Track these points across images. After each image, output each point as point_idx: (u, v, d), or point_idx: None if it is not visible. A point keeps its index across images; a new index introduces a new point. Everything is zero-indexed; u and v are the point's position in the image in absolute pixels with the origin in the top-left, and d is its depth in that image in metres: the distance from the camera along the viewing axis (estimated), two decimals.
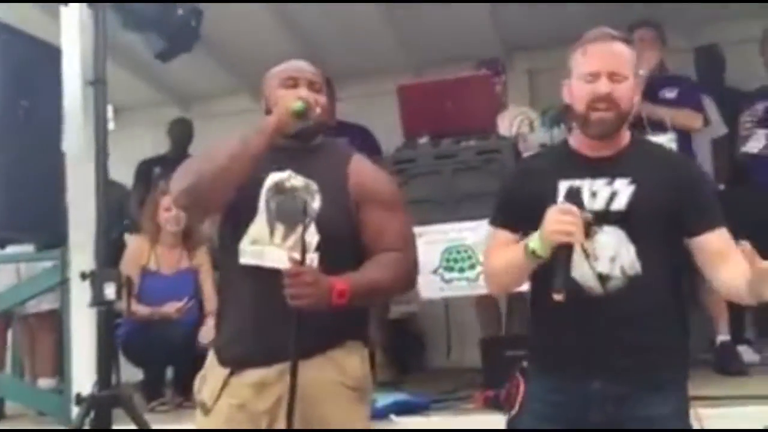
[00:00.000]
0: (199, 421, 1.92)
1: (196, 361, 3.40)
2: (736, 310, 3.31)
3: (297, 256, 1.75)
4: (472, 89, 3.26)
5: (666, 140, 2.86)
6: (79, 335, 2.97)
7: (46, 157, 2.96)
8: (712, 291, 3.13)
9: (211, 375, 1.92)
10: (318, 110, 1.92)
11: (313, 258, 1.83)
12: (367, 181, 1.94)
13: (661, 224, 1.72)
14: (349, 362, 1.89)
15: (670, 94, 3.38)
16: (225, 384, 1.86)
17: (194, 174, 1.84)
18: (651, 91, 3.34)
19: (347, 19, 4.44)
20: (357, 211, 1.90)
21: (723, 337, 3.21)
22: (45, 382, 3.94)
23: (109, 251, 2.61)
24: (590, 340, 1.71)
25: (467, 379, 3.29)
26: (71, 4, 2.69)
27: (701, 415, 2.25)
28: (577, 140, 1.83)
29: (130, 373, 3.66)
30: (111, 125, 2.66)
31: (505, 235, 1.84)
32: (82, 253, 2.80)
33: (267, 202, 1.89)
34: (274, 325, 1.78)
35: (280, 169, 1.91)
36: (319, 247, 1.84)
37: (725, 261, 1.70)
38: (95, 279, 2.44)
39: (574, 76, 1.79)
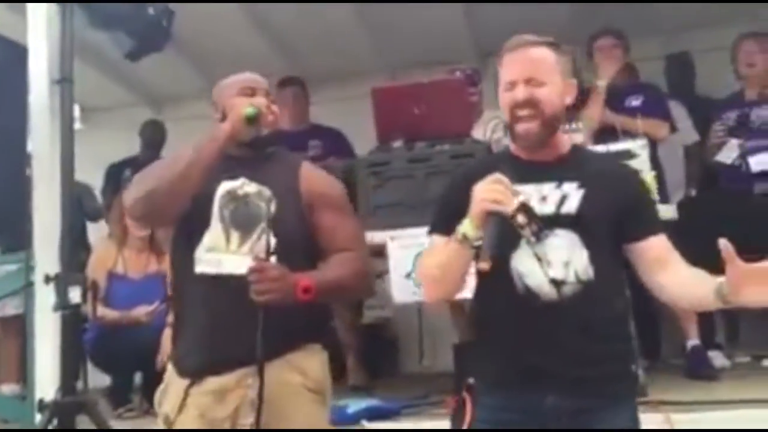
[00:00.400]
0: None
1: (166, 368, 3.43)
2: (705, 315, 3.34)
3: (262, 255, 1.79)
4: (446, 93, 3.25)
5: (638, 146, 2.87)
6: (44, 340, 2.90)
7: (10, 158, 2.89)
8: None
9: (171, 387, 1.93)
10: (271, 118, 1.97)
11: (270, 261, 1.83)
12: (317, 186, 1.99)
13: (610, 229, 1.71)
14: (310, 365, 1.91)
15: (635, 101, 3.41)
16: (186, 395, 1.87)
17: (148, 183, 1.87)
18: (616, 100, 3.37)
19: (322, 22, 4.42)
20: (310, 214, 1.95)
21: (693, 341, 3.23)
22: (9, 388, 3.86)
23: (75, 253, 2.56)
24: (543, 350, 1.66)
25: (440, 384, 3.28)
26: (37, 2, 2.62)
27: (673, 420, 2.25)
28: (518, 147, 1.81)
29: (97, 379, 3.59)
30: (78, 125, 2.61)
31: (443, 242, 1.80)
32: (46, 256, 2.74)
33: (221, 210, 1.91)
34: (232, 332, 1.81)
35: (233, 177, 1.93)
36: (275, 251, 1.84)
37: (664, 267, 1.71)
38: (59, 282, 2.38)
39: (500, 87, 1.78)
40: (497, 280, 1.69)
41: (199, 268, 1.89)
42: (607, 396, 1.68)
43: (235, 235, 1.89)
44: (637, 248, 1.73)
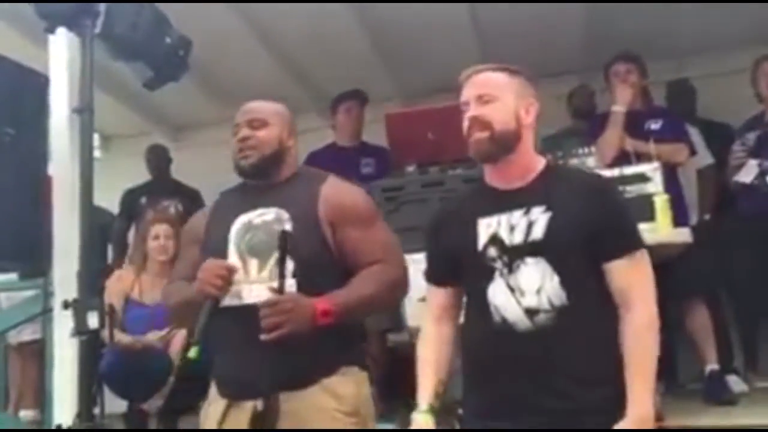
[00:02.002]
0: None
1: (182, 392, 3.44)
2: (723, 339, 3.32)
3: (275, 285, 1.79)
4: (459, 118, 3.27)
5: (651, 169, 2.87)
6: (62, 365, 2.92)
7: (30, 185, 2.94)
8: (698, 316, 3.19)
9: (213, 405, 1.97)
10: (239, 146, 2.04)
11: (291, 284, 1.85)
12: (338, 203, 1.97)
13: (581, 249, 1.67)
14: (345, 388, 1.90)
15: (655, 125, 3.41)
16: (225, 414, 1.91)
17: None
18: (635, 124, 3.37)
19: (336, 49, 4.47)
20: (333, 233, 1.94)
21: (711, 366, 3.20)
22: (27, 414, 3.88)
23: (93, 280, 2.59)
24: (519, 381, 1.65)
25: (457, 410, 3.25)
26: (58, 33, 2.68)
27: None
28: (488, 175, 1.82)
29: (114, 404, 3.60)
30: (97, 153, 2.65)
31: (439, 295, 1.86)
32: (65, 282, 2.77)
33: (237, 243, 1.94)
34: (260, 359, 1.80)
35: (251, 208, 1.96)
36: (295, 274, 1.85)
37: (627, 306, 1.66)
38: (78, 308, 2.40)
39: None
40: (477, 312, 1.72)
41: (223, 302, 1.90)
42: (587, 427, 1.62)
43: (253, 263, 1.91)
44: (606, 271, 1.69)
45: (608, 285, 1.69)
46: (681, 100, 4.19)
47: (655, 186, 2.83)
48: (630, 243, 1.71)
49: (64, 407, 2.84)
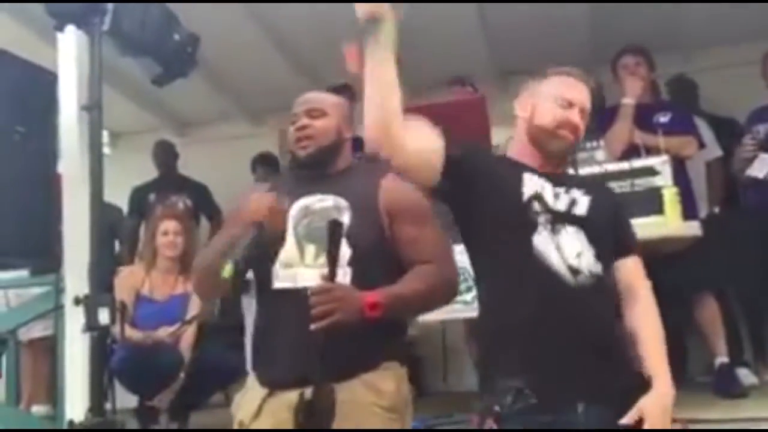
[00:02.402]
0: None
1: (193, 388, 3.46)
2: (733, 332, 3.31)
3: (326, 271, 1.77)
4: (465, 111, 3.27)
5: (659, 162, 2.86)
6: (73, 361, 2.94)
7: (40, 182, 2.95)
8: (708, 309, 3.19)
9: (249, 394, 1.95)
10: (296, 136, 2.00)
11: (346, 272, 1.86)
12: (397, 198, 1.96)
13: (611, 237, 1.80)
14: (384, 383, 1.89)
15: (663, 118, 3.41)
16: (263, 403, 1.89)
17: (201, 261, 2.02)
18: (644, 117, 3.36)
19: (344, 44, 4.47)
20: (390, 226, 1.94)
21: (721, 359, 3.20)
22: (39, 409, 3.91)
23: (104, 276, 2.61)
24: (566, 337, 1.65)
25: (464, 403, 3.26)
26: (67, 31, 2.69)
27: None
28: (525, 156, 1.86)
29: (126, 399, 3.63)
30: (106, 150, 2.66)
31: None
32: (76, 279, 2.79)
33: (295, 227, 1.93)
34: (309, 347, 1.77)
35: (309, 193, 1.96)
36: (350, 263, 1.87)
37: (636, 298, 1.78)
38: (89, 304, 2.42)
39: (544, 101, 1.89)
40: (517, 262, 1.71)
41: (277, 284, 1.92)
42: (629, 392, 1.67)
43: (310, 249, 1.90)
44: (617, 266, 1.80)
45: (616, 277, 1.79)
46: (682, 96, 4.17)
47: (664, 179, 2.82)
48: (635, 244, 1.87)
49: (76, 402, 2.86)
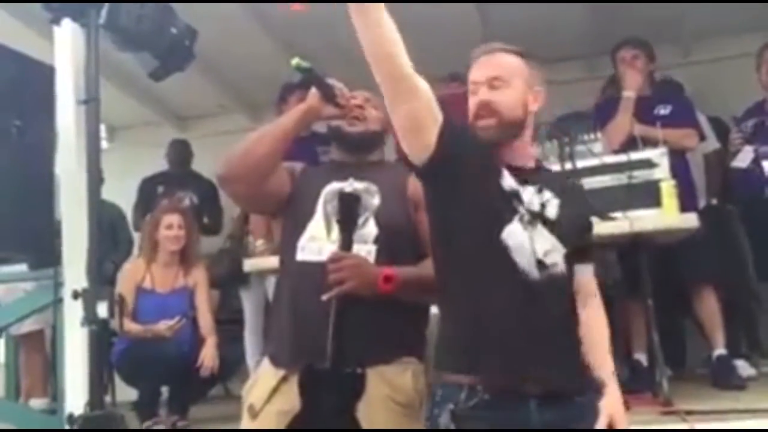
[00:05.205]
0: (245, 423, 1.93)
1: (192, 381, 3.47)
2: (730, 324, 3.32)
3: (365, 245, 1.85)
4: (464, 105, 3.26)
5: (657, 154, 2.86)
6: (73, 354, 2.94)
7: (38, 176, 2.95)
8: (706, 301, 3.21)
9: (262, 377, 1.94)
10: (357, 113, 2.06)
11: (370, 250, 1.88)
12: None
13: (576, 241, 1.77)
14: (401, 379, 1.89)
15: (664, 110, 3.40)
16: (276, 388, 1.88)
17: (241, 146, 1.99)
18: (644, 110, 3.36)
19: (342, 38, 4.45)
20: (416, 213, 1.96)
21: (719, 351, 3.20)
22: (37, 403, 3.92)
23: (102, 270, 2.61)
24: (525, 329, 1.63)
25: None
26: (64, 24, 2.68)
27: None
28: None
29: (125, 392, 3.64)
30: (104, 144, 2.65)
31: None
32: (74, 272, 2.79)
33: (325, 205, 1.97)
34: (326, 329, 1.77)
35: (342, 178, 2.01)
36: (377, 240, 1.89)
37: (589, 305, 1.79)
38: (87, 297, 2.42)
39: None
40: (481, 251, 1.68)
41: (300, 256, 1.94)
42: (578, 393, 1.68)
43: (336, 227, 1.91)
44: (576, 270, 1.78)
45: (575, 278, 1.78)
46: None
47: (662, 172, 2.83)
48: (592, 255, 1.86)
49: (76, 396, 2.86)
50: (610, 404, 1.69)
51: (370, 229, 1.91)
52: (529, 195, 1.73)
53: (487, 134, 1.74)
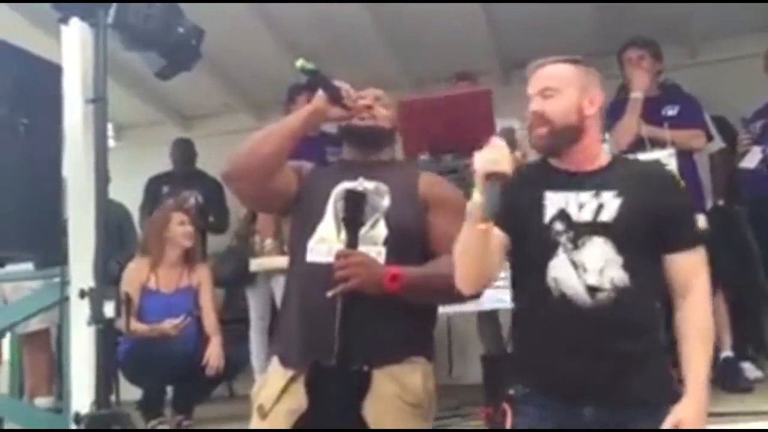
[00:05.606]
0: (254, 424, 1.94)
1: (197, 380, 3.46)
2: (737, 325, 3.31)
3: (375, 246, 1.86)
4: (472, 105, 3.26)
5: (665, 155, 2.85)
6: (79, 354, 2.94)
7: (46, 175, 2.95)
8: (713, 303, 3.19)
9: (272, 377, 1.95)
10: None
11: (380, 251, 1.88)
12: (437, 189, 2.04)
13: (647, 237, 1.73)
14: (411, 378, 1.90)
15: (671, 111, 3.40)
16: (285, 388, 1.88)
17: (247, 145, 2.01)
18: (652, 110, 3.35)
19: (345, 37, 4.46)
20: (426, 212, 1.98)
21: (727, 353, 3.20)
22: (42, 401, 3.92)
23: (109, 269, 2.60)
24: (579, 358, 1.68)
25: (469, 396, 3.27)
26: (72, 23, 2.68)
27: None
28: (554, 162, 1.85)
29: (131, 392, 3.64)
30: (111, 143, 2.65)
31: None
32: (81, 271, 2.79)
33: (335, 205, 1.97)
34: (332, 330, 1.79)
35: (352, 178, 2.00)
36: (386, 242, 1.89)
37: (684, 296, 1.75)
38: (94, 297, 2.42)
39: None
40: (533, 287, 1.73)
41: (310, 257, 1.94)
42: (646, 405, 1.68)
43: (343, 224, 1.91)
44: (668, 261, 1.76)
45: (668, 274, 1.76)
46: None
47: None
48: (693, 236, 1.80)
49: (82, 395, 2.86)
50: (680, 409, 1.67)
51: (380, 230, 1.91)
52: (581, 204, 1.74)
53: (543, 144, 1.80)
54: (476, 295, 1.89)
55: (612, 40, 3.81)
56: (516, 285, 1.84)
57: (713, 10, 4.14)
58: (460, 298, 2.04)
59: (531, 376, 1.76)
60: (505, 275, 2.84)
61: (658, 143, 3.05)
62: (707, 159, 3.86)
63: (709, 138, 3.54)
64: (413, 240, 1.95)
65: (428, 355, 1.98)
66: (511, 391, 1.76)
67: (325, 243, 1.93)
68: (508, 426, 1.73)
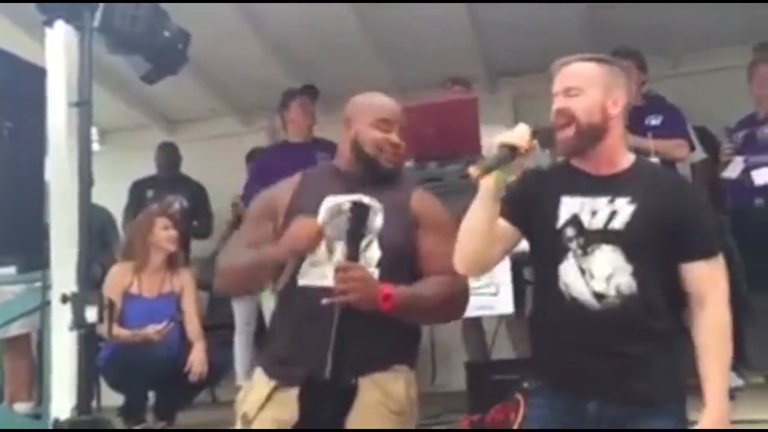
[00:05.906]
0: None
1: (179, 386, 3.44)
2: None
3: (370, 266, 1.86)
4: (457, 112, 3.27)
5: None
6: (60, 359, 2.91)
7: (29, 179, 2.93)
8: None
9: (256, 386, 1.95)
10: (391, 149, 2.04)
11: (373, 273, 1.88)
12: (427, 208, 2.03)
13: (659, 245, 1.72)
14: (394, 386, 1.91)
15: (655, 121, 3.43)
16: (270, 397, 1.89)
17: (229, 269, 2.08)
18: (636, 120, 3.37)
19: (333, 43, 4.46)
20: (416, 229, 1.98)
21: None
22: (21, 407, 3.88)
23: (91, 274, 2.58)
24: (587, 357, 1.72)
25: (453, 403, 3.27)
26: (57, 26, 2.66)
27: None
28: (576, 161, 1.85)
29: (112, 398, 3.60)
30: (95, 147, 2.63)
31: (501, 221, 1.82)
32: (63, 276, 2.76)
33: (324, 225, 1.94)
34: (325, 344, 1.80)
35: (344, 192, 1.98)
36: (380, 263, 1.89)
37: (701, 306, 1.74)
38: (76, 301, 2.40)
39: None
40: (547, 288, 1.77)
41: (303, 281, 1.93)
42: (650, 403, 1.71)
43: (339, 246, 1.91)
44: (684, 270, 1.75)
45: (685, 283, 1.75)
46: None
47: None
48: (711, 246, 1.78)
49: (62, 400, 2.83)
50: (702, 421, 1.71)
51: (373, 252, 1.91)
52: (594, 211, 1.74)
53: (568, 147, 1.78)
54: (466, 278, 1.94)
55: (596, 47, 3.83)
56: (535, 285, 1.91)
57: (696, 22, 4.18)
58: (444, 320, 2.08)
59: (544, 371, 1.82)
60: (489, 282, 2.88)
61: (642, 153, 3.06)
62: (689, 169, 3.90)
63: (691, 148, 3.58)
64: (405, 260, 1.96)
65: (411, 363, 1.99)
66: (526, 384, 1.87)
67: (317, 266, 1.92)
68: (520, 415, 1.89)
